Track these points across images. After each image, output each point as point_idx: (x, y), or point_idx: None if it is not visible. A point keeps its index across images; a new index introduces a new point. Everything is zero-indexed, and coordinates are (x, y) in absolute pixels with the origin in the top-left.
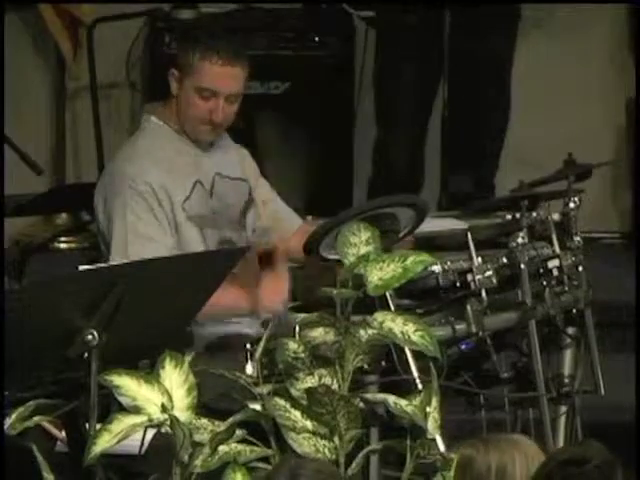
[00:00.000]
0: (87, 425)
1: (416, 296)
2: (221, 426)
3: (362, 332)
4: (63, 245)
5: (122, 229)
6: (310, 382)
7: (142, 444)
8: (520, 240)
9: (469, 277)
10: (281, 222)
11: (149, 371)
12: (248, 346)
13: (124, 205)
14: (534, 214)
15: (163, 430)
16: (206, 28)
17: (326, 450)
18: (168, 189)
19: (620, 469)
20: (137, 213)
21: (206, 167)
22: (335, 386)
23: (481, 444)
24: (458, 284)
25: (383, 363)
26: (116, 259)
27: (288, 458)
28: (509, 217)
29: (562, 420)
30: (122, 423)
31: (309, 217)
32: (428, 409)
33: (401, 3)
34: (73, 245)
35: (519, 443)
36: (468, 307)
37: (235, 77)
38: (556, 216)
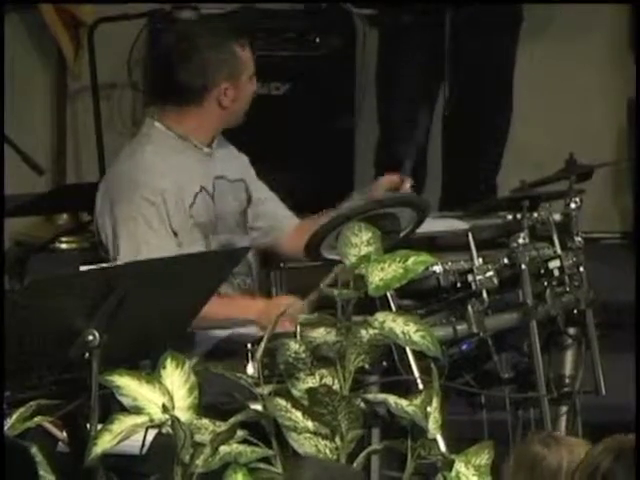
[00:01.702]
0: (88, 425)
1: (417, 296)
2: (222, 426)
3: (363, 332)
4: (64, 245)
5: (133, 239)
6: (311, 382)
7: (143, 444)
8: (521, 240)
9: (470, 277)
10: (277, 222)
11: (150, 371)
12: (249, 346)
13: (136, 214)
14: (535, 214)
15: (164, 430)
16: (215, 26)
17: (327, 450)
18: (177, 197)
19: None
20: (149, 224)
21: (208, 171)
22: (336, 386)
23: (552, 441)
24: (459, 284)
25: (384, 363)
26: None
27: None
28: (510, 217)
29: (563, 420)
30: (123, 423)
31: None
32: (429, 409)
33: (402, 2)
34: (74, 245)
35: (580, 444)
36: (469, 307)
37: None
38: (557, 216)
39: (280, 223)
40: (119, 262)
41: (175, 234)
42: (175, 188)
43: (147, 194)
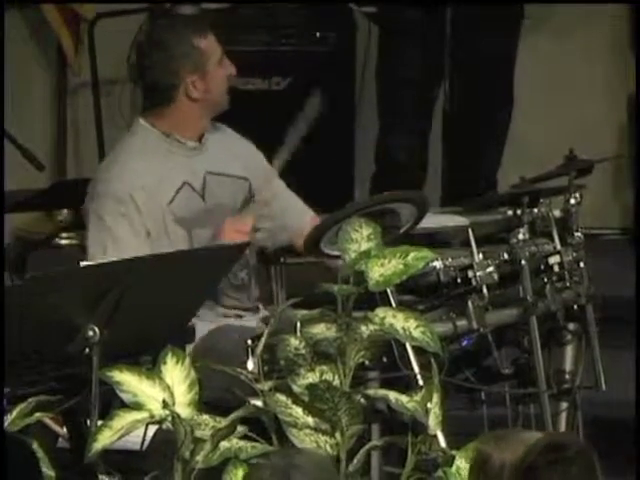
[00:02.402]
0: (88, 421)
1: (417, 292)
2: (222, 422)
3: (363, 328)
4: (64, 241)
5: (100, 236)
6: (311, 378)
7: (143, 440)
8: (521, 236)
9: (470, 273)
10: (290, 221)
11: (150, 367)
12: (249, 342)
13: (102, 212)
14: (535, 210)
15: (164, 426)
16: (175, 21)
17: (327, 446)
18: (152, 193)
19: (597, 458)
20: (116, 221)
21: (196, 167)
22: (336, 382)
23: (500, 440)
24: (459, 280)
25: (384, 359)
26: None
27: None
28: (510, 213)
29: (563, 416)
30: (123, 419)
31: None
32: (429, 405)
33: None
34: (74, 241)
35: (530, 440)
36: (469, 303)
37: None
38: (557, 212)
39: (294, 222)
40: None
41: (148, 231)
42: (149, 183)
43: (113, 190)
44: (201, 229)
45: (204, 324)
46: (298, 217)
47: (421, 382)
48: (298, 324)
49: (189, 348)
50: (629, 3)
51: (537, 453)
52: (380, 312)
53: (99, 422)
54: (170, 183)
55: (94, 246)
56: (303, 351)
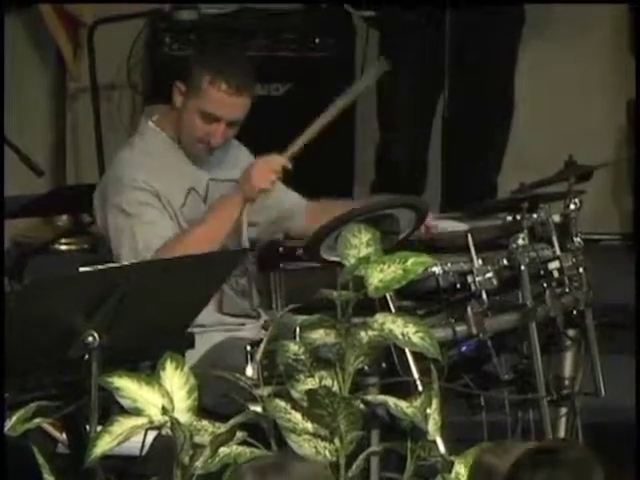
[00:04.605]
0: (87, 427)
1: (417, 298)
2: (222, 428)
3: (363, 334)
4: (63, 247)
5: (126, 221)
6: (311, 384)
7: (143, 446)
8: (520, 242)
9: (469, 279)
10: (285, 211)
11: (150, 373)
12: (248, 348)
13: (124, 207)
14: (534, 216)
15: (164, 432)
16: (218, 52)
17: (327, 452)
18: (167, 194)
19: (599, 468)
20: (140, 209)
21: (200, 173)
22: (336, 388)
23: (501, 450)
24: (458, 286)
25: (384, 365)
26: (124, 251)
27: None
28: (509, 219)
29: (562, 422)
30: (122, 425)
31: None
32: (428, 411)
33: (402, 4)
34: (73, 247)
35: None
36: (469, 309)
37: (241, 105)
38: (557, 218)
39: (289, 211)
40: (121, 249)
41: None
42: (164, 186)
43: (136, 183)
44: None
45: (207, 336)
46: (293, 207)
47: (420, 388)
48: (297, 330)
49: (189, 355)
50: (629, 3)
51: (525, 456)
52: (379, 318)
53: (98, 428)
54: (179, 188)
55: (121, 238)
56: (302, 357)
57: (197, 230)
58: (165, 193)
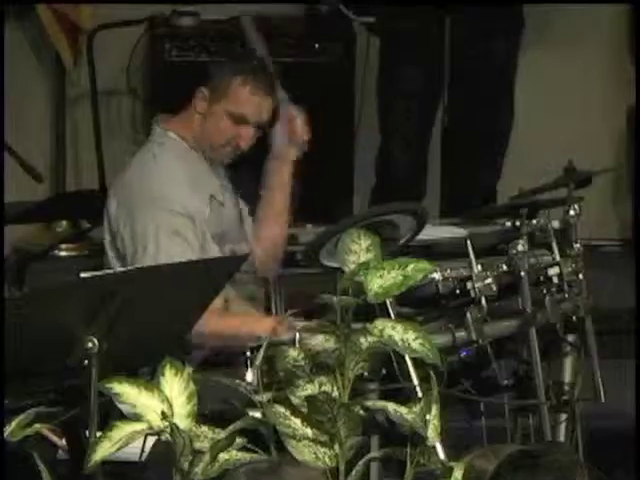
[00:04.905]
0: (87, 432)
1: (416, 304)
2: (221, 434)
3: (362, 339)
4: (63, 253)
5: (156, 258)
6: (310, 390)
7: (142, 451)
8: (520, 248)
9: (469, 285)
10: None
11: (149, 378)
12: (248, 353)
13: (159, 233)
14: (534, 221)
15: (163, 438)
16: (247, 55)
17: (326, 458)
18: (197, 208)
19: (584, 471)
20: (173, 241)
21: (215, 181)
22: (335, 394)
23: (491, 454)
24: (458, 292)
25: (383, 371)
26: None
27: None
28: (509, 224)
29: (562, 428)
30: (122, 431)
31: (309, 225)
32: (428, 417)
33: (402, 8)
34: (73, 253)
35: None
36: (468, 314)
37: (267, 107)
38: (556, 223)
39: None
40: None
41: (201, 245)
42: (192, 199)
43: (173, 207)
44: (225, 245)
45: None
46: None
47: (420, 393)
48: (297, 335)
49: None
50: (629, 3)
51: (507, 458)
52: (379, 323)
53: (98, 433)
54: (204, 198)
55: (145, 260)
56: (302, 362)
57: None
58: (195, 211)
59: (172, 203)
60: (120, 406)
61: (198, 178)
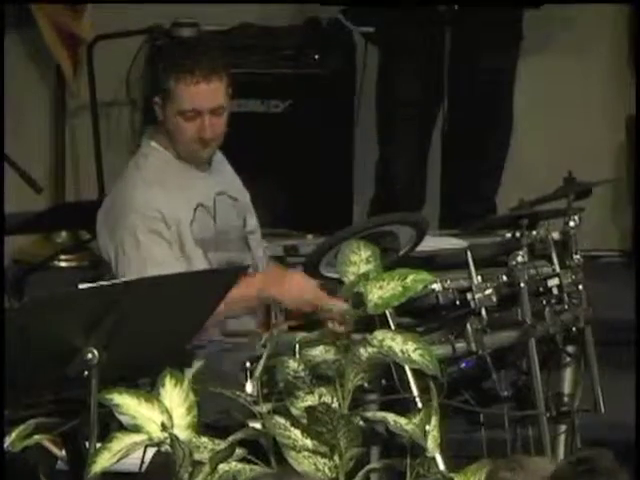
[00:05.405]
0: (87, 444)
1: (416, 314)
2: (221, 445)
3: (362, 351)
4: (63, 263)
5: (138, 259)
6: (310, 400)
7: (142, 463)
8: (520, 259)
9: (469, 296)
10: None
11: (149, 390)
12: (248, 364)
13: (136, 234)
14: (534, 233)
15: (163, 449)
16: (177, 49)
17: (326, 469)
18: (176, 214)
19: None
20: (151, 240)
21: (206, 188)
22: (335, 404)
23: (517, 465)
24: (458, 302)
25: (383, 382)
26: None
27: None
28: (509, 236)
29: (562, 439)
30: (122, 442)
31: (309, 236)
32: (428, 427)
33: (401, 18)
34: (73, 263)
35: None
36: (468, 325)
37: (214, 91)
38: (556, 234)
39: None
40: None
41: (178, 250)
42: (173, 205)
43: (145, 211)
44: (215, 252)
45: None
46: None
47: (420, 404)
48: (297, 346)
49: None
50: (629, 3)
51: (567, 465)
52: (379, 334)
53: (98, 444)
54: (188, 205)
55: (129, 267)
56: (302, 373)
57: None
58: (174, 216)
59: (146, 208)
60: (120, 417)
61: (182, 186)
